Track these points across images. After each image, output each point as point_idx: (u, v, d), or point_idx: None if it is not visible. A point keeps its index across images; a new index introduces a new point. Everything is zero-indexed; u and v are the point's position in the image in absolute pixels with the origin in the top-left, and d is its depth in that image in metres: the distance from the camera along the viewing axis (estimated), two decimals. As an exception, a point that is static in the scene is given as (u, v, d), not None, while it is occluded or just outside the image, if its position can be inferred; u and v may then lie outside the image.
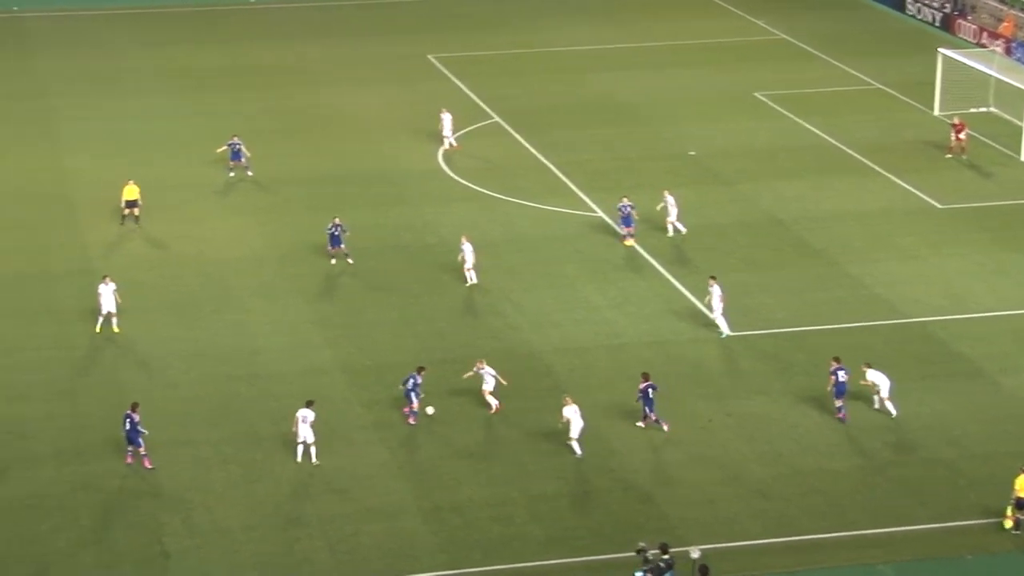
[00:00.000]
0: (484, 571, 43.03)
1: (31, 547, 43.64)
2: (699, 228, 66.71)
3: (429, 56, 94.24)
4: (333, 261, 62.25)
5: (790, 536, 44.50)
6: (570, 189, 70.63)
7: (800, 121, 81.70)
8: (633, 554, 41.47)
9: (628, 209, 64.43)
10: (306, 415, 47.61)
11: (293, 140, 78.34)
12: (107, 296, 55.98)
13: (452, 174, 72.82)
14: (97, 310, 56.35)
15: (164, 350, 55.30)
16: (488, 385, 50.87)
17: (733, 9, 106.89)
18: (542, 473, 47.61)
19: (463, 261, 60.56)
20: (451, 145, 75.56)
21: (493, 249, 64.07)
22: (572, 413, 48.30)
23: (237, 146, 71.59)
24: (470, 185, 71.65)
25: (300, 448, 47.79)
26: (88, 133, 78.98)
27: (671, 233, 65.33)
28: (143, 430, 47.34)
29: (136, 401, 48.03)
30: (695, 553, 41.02)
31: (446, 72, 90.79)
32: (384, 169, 74.00)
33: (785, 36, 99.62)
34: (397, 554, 43.61)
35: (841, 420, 50.31)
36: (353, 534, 44.43)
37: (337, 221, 62.24)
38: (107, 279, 56.60)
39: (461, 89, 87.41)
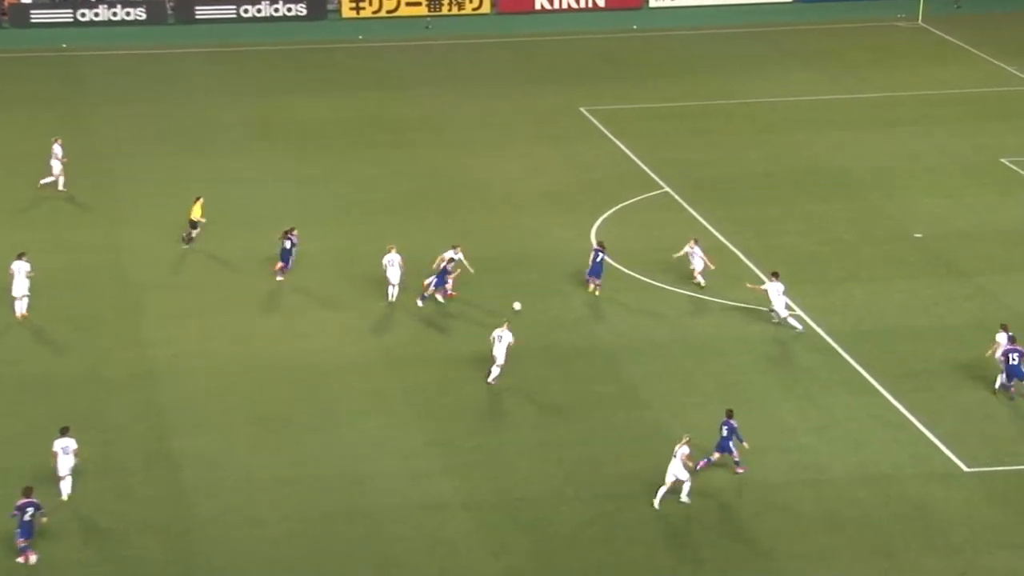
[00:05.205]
0: None
1: None
2: (927, 330, 66.37)
3: (582, 108, 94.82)
4: None
5: None
6: (760, 279, 70.51)
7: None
8: None
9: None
10: (67, 445, 52.92)
11: (414, 213, 78.86)
12: (20, 277, 63.38)
13: (610, 260, 72.64)
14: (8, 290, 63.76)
15: (246, 475, 55.77)
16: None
17: (977, 53, 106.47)
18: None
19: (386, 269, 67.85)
20: None
21: (661, 352, 64.19)
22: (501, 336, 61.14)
23: (292, 242, 70.73)
24: (633, 274, 71.69)
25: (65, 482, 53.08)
26: (152, 202, 79.96)
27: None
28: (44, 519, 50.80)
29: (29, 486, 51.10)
30: None
31: (603, 129, 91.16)
32: (525, 250, 74.32)
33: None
34: None
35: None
36: None
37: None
38: (23, 256, 65.31)
39: (621, 150, 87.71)
